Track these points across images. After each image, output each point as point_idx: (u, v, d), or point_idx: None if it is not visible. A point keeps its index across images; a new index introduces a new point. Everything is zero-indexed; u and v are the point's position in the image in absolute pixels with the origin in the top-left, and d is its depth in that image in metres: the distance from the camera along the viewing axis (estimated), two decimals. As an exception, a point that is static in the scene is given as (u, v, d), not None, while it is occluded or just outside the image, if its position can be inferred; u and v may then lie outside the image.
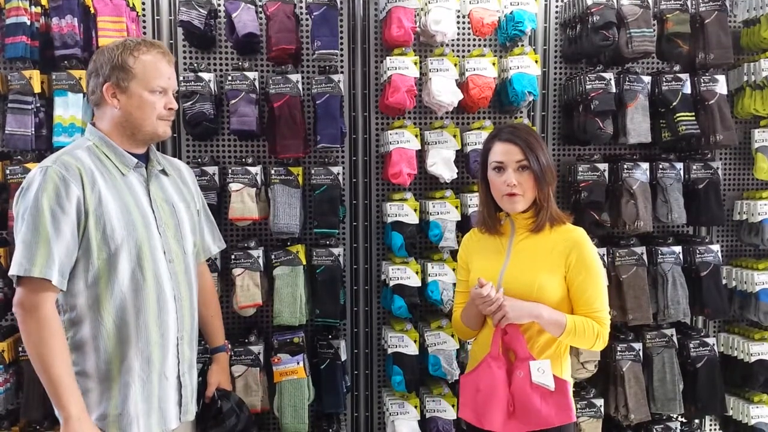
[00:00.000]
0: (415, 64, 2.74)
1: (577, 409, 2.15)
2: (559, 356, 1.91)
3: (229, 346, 2.23)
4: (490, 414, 1.81)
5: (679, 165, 2.97)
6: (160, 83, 1.81)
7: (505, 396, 1.81)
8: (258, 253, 2.72)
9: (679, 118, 2.90)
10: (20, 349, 2.59)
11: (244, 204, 2.69)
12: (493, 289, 1.80)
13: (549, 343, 1.89)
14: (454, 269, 2.76)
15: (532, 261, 1.88)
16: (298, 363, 2.70)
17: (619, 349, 2.86)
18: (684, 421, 3.11)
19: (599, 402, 2.86)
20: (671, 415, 2.98)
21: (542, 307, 1.82)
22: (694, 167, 2.99)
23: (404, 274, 2.76)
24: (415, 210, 2.78)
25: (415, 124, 2.93)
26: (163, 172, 1.95)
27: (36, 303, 1.66)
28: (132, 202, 1.79)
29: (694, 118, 2.91)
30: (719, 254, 3.00)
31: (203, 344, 2.18)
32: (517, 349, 1.82)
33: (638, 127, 2.88)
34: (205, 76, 2.69)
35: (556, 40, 3.11)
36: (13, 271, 1.66)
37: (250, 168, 2.72)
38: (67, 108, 2.60)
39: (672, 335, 2.94)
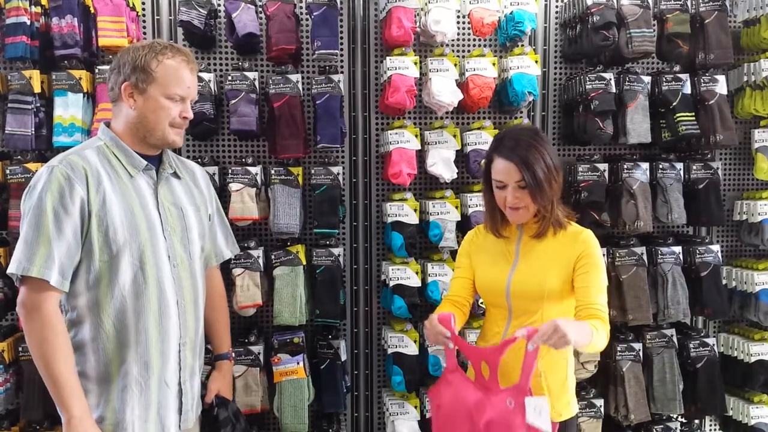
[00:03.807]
0: (415, 64, 2.74)
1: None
2: (564, 356, 1.91)
3: (233, 354, 2.20)
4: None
5: (679, 165, 2.97)
6: (179, 91, 1.79)
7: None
8: (258, 253, 2.72)
9: (679, 118, 2.90)
10: (20, 349, 2.59)
11: (244, 204, 2.69)
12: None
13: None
14: (454, 269, 2.76)
15: (541, 263, 1.88)
16: (298, 363, 2.70)
17: (619, 349, 2.86)
18: (684, 421, 3.11)
19: (599, 402, 2.86)
20: (671, 415, 2.98)
21: (572, 323, 1.71)
22: (694, 167, 2.98)
23: (404, 274, 2.76)
24: (415, 210, 2.78)
25: (415, 124, 2.93)
26: (175, 174, 1.92)
27: (37, 303, 1.65)
28: (137, 204, 1.77)
29: (694, 118, 2.91)
30: (719, 254, 3.00)
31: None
32: (521, 376, 1.68)
33: (638, 127, 2.88)
34: (205, 76, 2.69)
35: (556, 40, 3.11)
36: (11, 269, 1.66)
37: (250, 168, 2.72)
38: (67, 108, 2.60)
39: (672, 335, 2.94)
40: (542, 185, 1.80)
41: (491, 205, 1.95)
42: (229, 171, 2.71)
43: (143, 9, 2.83)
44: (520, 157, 1.80)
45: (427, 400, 2.79)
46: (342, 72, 2.94)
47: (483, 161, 2.62)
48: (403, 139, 2.77)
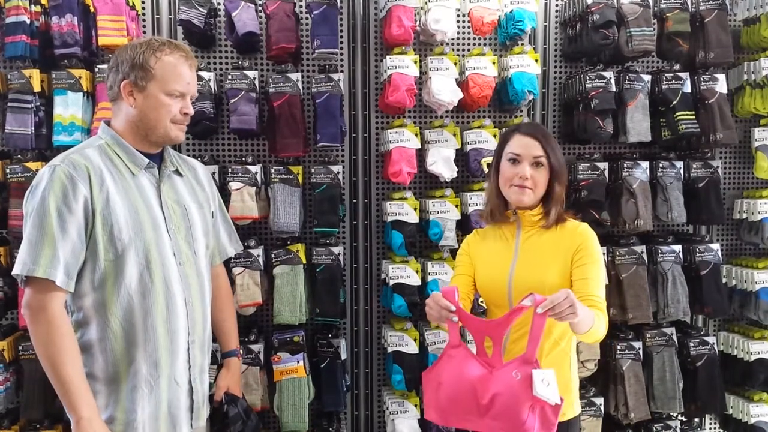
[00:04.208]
0: (415, 63, 2.74)
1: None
2: (567, 354, 1.91)
3: (241, 351, 2.19)
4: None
5: (679, 164, 2.97)
6: (179, 87, 1.78)
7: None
8: (258, 252, 2.72)
9: (679, 117, 2.90)
10: (20, 348, 2.59)
11: (244, 203, 2.69)
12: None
13: (557, 342, 1.88)
14: (453, 268, 2.76)
15: (540, 259, 1.88)
16: (298, 362, 2.70)
17: (619, 347, 2.86)
18: (684, 419, 3.12)
19: (599, 401, 2.86)
20: (671, 413, 2.98)
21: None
22: (694, 166, 2.99)
23: (404, 273, 2.76)
24: (415, 209, 2.78)
25: (415, 123, 2.93)
26: (177, 172, 1.91)
27: (43, 304, 1.64)
28: (141, 203, 1.76)
29: (694, 116, 2.91)
30: (719, 253, 3.00)
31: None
32: (528, 346, 1.65)
33: (638, 125, 2.88)
34: (204, 75, 2.69)
35: (556, 38, 3.11)
36: (16, 270, 1.65)
37: (249, 167, 2.72)
38: (67, 107, 2.60)
39: (672, 334, 2.94)
40: (562, 166, 1.87)
41: (495, 192, 1.95)
42: (229, 170, 2.71)
43: (143, 8, 2.83)
44: (542, 135, 1.89)
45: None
46: (342, 71, 2.94)
47: (486, 160, 2.62)
48: (403, 138, 2.78)
